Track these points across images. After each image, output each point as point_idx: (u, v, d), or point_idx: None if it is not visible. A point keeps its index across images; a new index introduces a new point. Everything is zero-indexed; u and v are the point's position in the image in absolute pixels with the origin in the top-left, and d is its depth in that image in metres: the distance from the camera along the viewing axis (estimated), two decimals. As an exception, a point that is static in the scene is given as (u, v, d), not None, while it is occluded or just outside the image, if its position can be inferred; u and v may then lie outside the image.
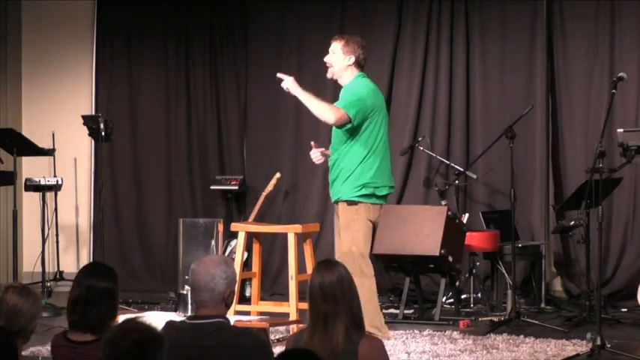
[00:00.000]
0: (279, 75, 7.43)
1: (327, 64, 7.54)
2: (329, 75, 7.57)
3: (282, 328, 7.69)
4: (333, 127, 7.47)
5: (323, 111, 7.31)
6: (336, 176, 7.43)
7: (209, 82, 10.51)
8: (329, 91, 10.01)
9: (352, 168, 7.36)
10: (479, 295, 9.14)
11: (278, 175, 9.51)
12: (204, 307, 4.33)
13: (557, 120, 9.48)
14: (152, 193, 10.64)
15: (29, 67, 11.05)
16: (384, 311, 8.97)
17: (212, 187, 10.30)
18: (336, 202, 7.44)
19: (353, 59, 7.47)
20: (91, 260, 10.53)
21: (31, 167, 10.57)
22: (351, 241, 7.32)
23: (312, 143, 7.66)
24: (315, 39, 10.14)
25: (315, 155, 7.63)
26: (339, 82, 7.57)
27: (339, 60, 7.48)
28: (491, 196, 9.61)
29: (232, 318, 5.77)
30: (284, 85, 7.39)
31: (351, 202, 7.34)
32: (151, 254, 10.60)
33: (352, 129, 7.32)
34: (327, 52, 7.56)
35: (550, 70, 9.48)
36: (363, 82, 7.49)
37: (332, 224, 10.01)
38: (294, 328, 7.08)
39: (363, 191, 7.35)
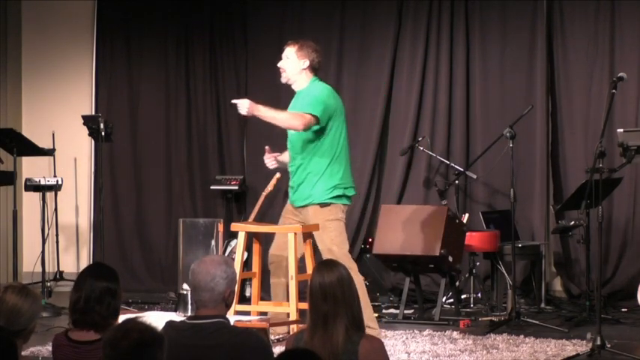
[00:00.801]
0: (233, 101, 7.43)
1: (281, 70, 7.56)
2: (283, 80, 7.60)
3: (281, 328, 7.68)
4: (293, 133, 7.51)
5: (289, 121, 7.34)
6: (302, 180, 7.47)
7: (209, 82, 10.51)
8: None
9: (321, 171, 7.41)
10: (479, 295, 9.14)
11: (278, 175, 9.46)
12: (204, 307, 4.33)
13: (557, 120, 9.48)
14: (152, 193, 10.64)
15: (29, 67, 11.05)
16: (384, 311, 8.99)
17: (212, 187, 10.30)
18: (304, 206, 7.47)
19: (307, 63, 7.49)
20: (92, 260, 10.54)
21: (31, 167, 10.57)
22: (330, 241, 7.37)
23: (266, 148, 7.72)
24: (315, 39, 10.10)
25: (270, 160, 7.66)
26: (292, 87, 7.59)
27: (293, 64, 7.51)
28: (491, 196, 9.61)
29: (232, 318, 5.77)
30: (241, 110, 7.37)
31: (323, 205, 7.40)
32: (151, 254, 10.60)
33: (317, 131, 7.37)
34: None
35: (550, 70, 9.47)
36: (321, 85, 7.53)
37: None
38: (294, 328, 7.07)
39: (335, 192, 7.42)
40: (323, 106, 7.35)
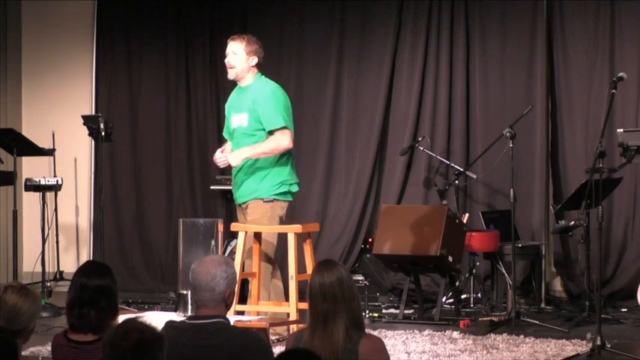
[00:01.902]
0: (217, 161, 7.51)
1: (229, 66, 7.57)
2: (232, 76, 7.61)
3: (282, 328, 7.68)
4: (239, 131, 7.53)
5: (278, 148, 7.43)
6: (249, 176, 7.50)
7: (209, 82, 10.50)
8: (329, 89, 10.03)
9: (270, 166, 7.48)
10: (479, 295, 9.14)
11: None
12: (205, 307, 4.33)
13: (557, 120, 9.48)
14: (152, 193, 10.64)
15: (29, 67, 11.05)
16: (384, 311, 8.99)
17: (212, 187, 10.30)
18: (247, 201, 7.51)
19: (256, 60, 7.56)
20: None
21: (31, 167, 10.57)
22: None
23: (221, 149, 7.69)
24: (315, 39, 10.14)
25: (222, 159, 7.60)
26: (240, 82, 7.61)
27: (243, 61, 7.54)
28: (491, 196, 9.61)
29: (232, 318, 5.77)
30: (232, 162, 7.42)
31: (267, 200, 7.47)
32: (151, 254, 10.60)
33: (268, 131, 7.44)
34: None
35: (550, 70, 9.47)
36: (271, 83, 7.61)
37: (331, 224, 10.01)
38: (294, 328, 7.07)
39: (282, 189, 7.51)
40: (285, 111, 7.46)
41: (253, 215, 7.48)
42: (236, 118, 7.59)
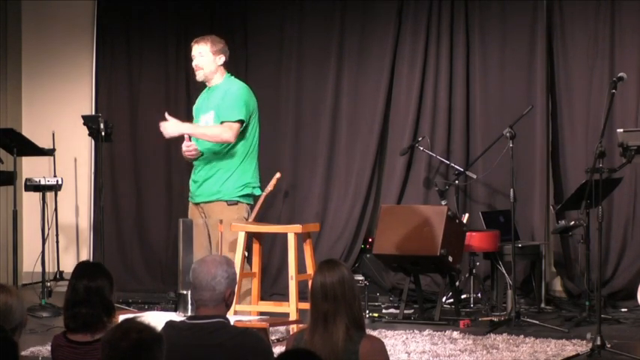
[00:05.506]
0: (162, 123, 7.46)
1: (197, 68, 7.59)
2: (200, 78, 7.63)
3: (282, 328, 7.69)
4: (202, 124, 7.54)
5: (221, 136, 7.41)
6: (210, 176, 7.50)
7: (209, 82, 10.50)
8: (329, 89, 10.02)
9: (233, 167, 7.48)
10: (479, 295, 9.13)
11: (278, 175, 9.46)
12: (205, 307, 4.33)
13: (557, 120, 9.48)
14: (152, 193, 10.63)
15: (29, 67, 11.05)
16: (384, 311, 8.99)
17: (212, 187, 10.29)
18: (208, 202, 7.50)
19: (223, 59, 7.59)
20: (91, 260, 10.54)
21: (31, 167, 10.56)
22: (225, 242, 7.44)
23: (186, 136, 7.63)
24: (315, 39, 10.14)
25: (190, 149, 7.57)
26: (208, 83, 7.63)
27: (210, 61, 7.56)
28: (491, 196, 9.61)
29: (232, 318, 5.77)
30: (167, 133, 7.41)
31: (231, 202, 7.46)
32: (151, 254, 10.59)
33: (220, 121, 7.44)
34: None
35: (550, 70, 9.47)
36: (237, 82, 7.64)
37: (331, 224, 10.01)
38: (294, 328, 7.08)
39: (245, 191, 7.52)
40: (245, 107, 7.45)
41: (222, 219, 7.43)
42: (203, 118, 7.60)
